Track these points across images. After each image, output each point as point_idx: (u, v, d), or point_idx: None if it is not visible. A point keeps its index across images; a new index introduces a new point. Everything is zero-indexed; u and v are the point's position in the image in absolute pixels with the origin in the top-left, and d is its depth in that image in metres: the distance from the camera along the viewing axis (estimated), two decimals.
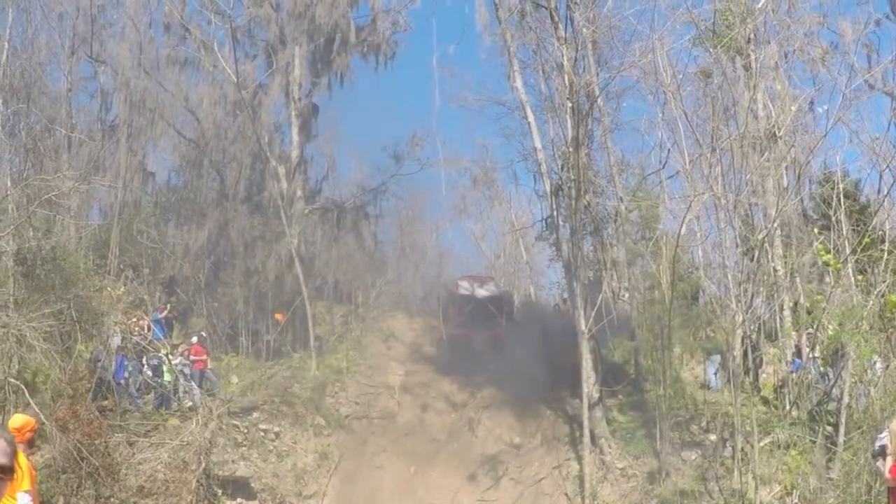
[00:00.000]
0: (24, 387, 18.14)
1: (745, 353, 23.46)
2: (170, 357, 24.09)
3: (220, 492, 21.50)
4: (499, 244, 47.96)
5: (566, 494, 24.08)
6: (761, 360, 25.17)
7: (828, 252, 20.11)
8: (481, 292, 32.31)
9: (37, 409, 18.12)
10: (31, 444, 11.07)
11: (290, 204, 31.77)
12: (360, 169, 39.94)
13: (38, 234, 21.96)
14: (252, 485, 22.63)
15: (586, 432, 23.72)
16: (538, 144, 27.79)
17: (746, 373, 23.10)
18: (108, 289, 24.69)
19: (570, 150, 25.72)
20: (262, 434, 24.38)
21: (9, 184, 19.96)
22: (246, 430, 24.01)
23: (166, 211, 33.95)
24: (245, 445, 23.61)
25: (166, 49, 34.70)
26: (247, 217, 32.05)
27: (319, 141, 37.60)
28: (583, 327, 24.52)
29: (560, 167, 27.81)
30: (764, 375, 25.20)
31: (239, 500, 22.17)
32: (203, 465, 20.54)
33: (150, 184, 35.12)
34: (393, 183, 38.14)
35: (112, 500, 18.86)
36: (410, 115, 77.38)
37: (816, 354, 22.56)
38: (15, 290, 19.24)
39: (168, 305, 28.61)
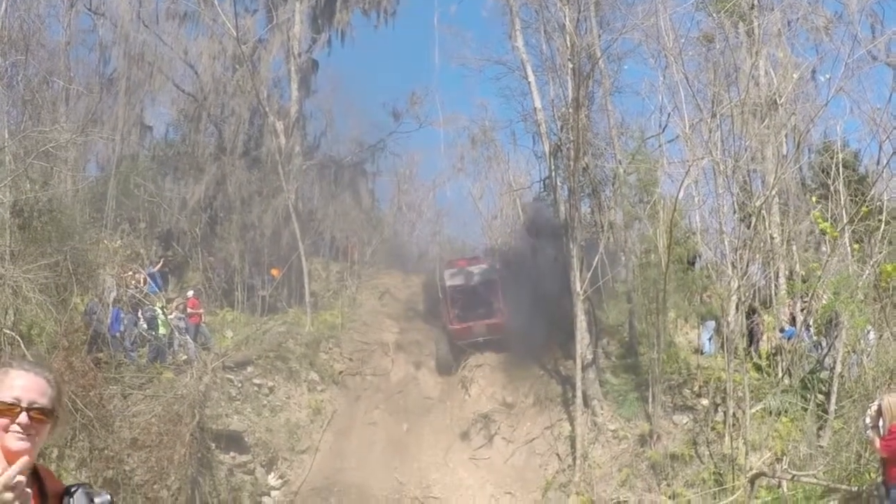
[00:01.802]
0: (19, 338, 18.14)
1: (745, 318, 23.60)
2: (165, 310, 24.10)
3: (213, 445, 21.60)
4: (496, 204, 47.79)
5: (557, 454, 24.24)
6: (757, 326, 25.22)
7: (825, 220, 20.09)
8: (472, 279, 30.42)
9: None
10: None
11: (287, 159, 31.59)
12: (358, 126, 39.80)
13: (35, 186, 21.86)
14: (245, 439, 22.73)
15: (579, 393, 23.84)
16: (538, 105, 27.72)
17: (741, 338, 23.16)
18: (105, 242, 24.67)
19: (570, 111, 25.65)
20: (256, 389, 24.45)
21: (6, 135, 19.82)
22: (240, 385, 24.08)
23: (163, 165, 33.74)
24: (239, 400, 23.68)
25: (166, 2, 34.42)
26: (244, 172, 31.91)
27: (318, 97, 37.52)
28: (578, 288, 24.55)
29: (559, 128, 27.75)
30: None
31: (232, 453, 22.26)
32: (197, 418, 20.63)
33: (147, 137, 34.97)
34: (391, 140, 38.15)
35: (106, 451, 18.92)
36: (410, 73, 77.19)
37: (810, 323, 22.62)
38: (11, 242, 19.19)
39: (161, 259, 28.58)
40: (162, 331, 23.88)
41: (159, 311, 24.03)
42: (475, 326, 28.54)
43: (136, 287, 23.71)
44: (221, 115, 34.11)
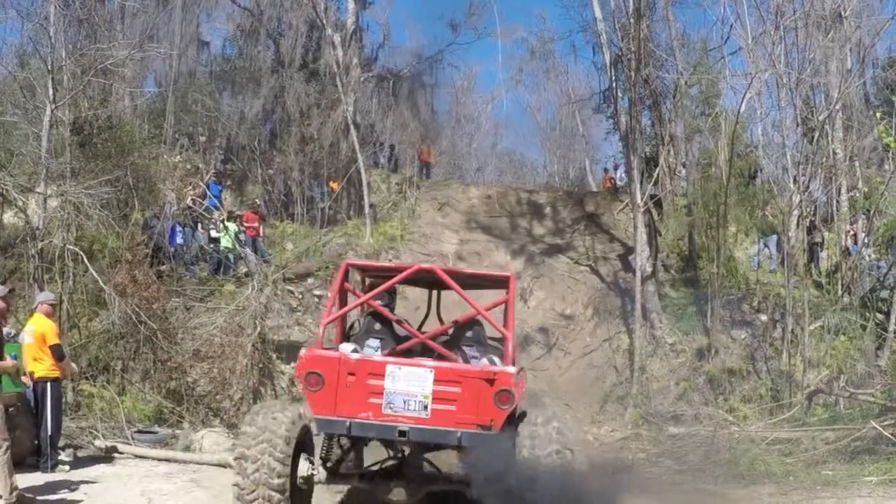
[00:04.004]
0: (82, 254, 18.51)
1: (806, 234, 23.40)
2: (226, 224, 24.34)
3: (274, 356, 21.90)
4: (555, 116, 47.34)
5: (615, 367, 24.30)
6: (820, 243, 24.98)
7: (889, 135, 19.66)
8: None
9: (96, 275, 18.55)
10: None
11: (345, 72, 31.36)
12: (415, 37, 39.49)
13: (93, 103, 22.06)
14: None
15: (638, 306, 23.81)
16: (598, 15, 27.32)
17: (802, 254, 22.98)
18: (164, 156, 24.92)
19: (631, 21, 25.17)
20: (317, 300, 24.65)
21: (64, 54, 19.87)
22: (300, 296, 24.31)
23: (221, 80, 33.73)
24: (299, 311, 23.92)
25: None
26: (302, 85, 31.77)
27: (375, 9, 37.15)
28: (638, 200, 24.40)
29: (620, 39, 27.26)
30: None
31: (293, 364, 22.54)
32: (258, 329, 20.90)
33: (204, 53, 34.96)
34: (449, 52, 37.63)
35: (169, 363, 19.37)
36: None
37: (870, 242, 22.34)
38: (72, 160, 19.44)
39: (215, 170, 28.76)
40: (224, 243, 24.16)
41: (221, 224, 24.29)
42: None
43: (195, 201, 23.94)
44: (278, 28, 33.95)
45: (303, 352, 10.00)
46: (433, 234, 29.96)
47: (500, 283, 11.81)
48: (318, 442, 10.82)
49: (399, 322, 11.23)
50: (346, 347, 10.44)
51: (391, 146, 36.64)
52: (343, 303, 11.67)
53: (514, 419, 9.94)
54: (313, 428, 10.31)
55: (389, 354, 10.44)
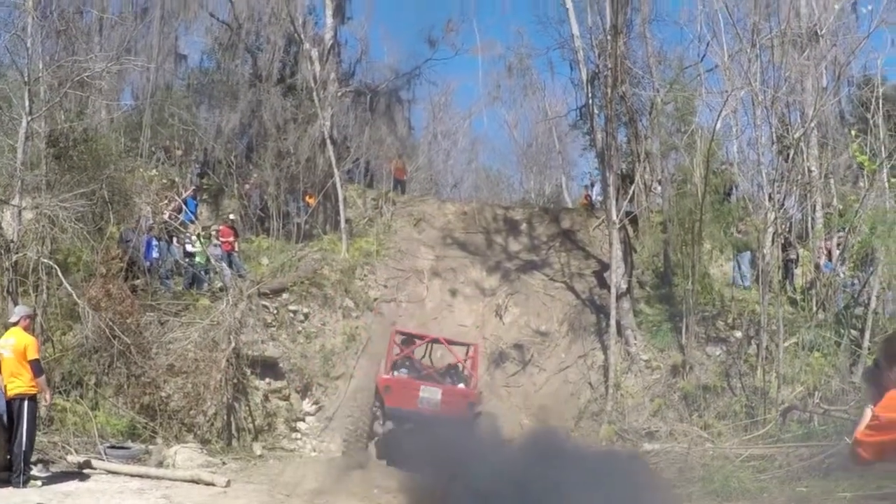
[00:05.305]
0: (56, 267, 18.39)
1: (781, 251, 23.50)
2: (201, 238, 24.23)
3: (248, 371, 21.84)
4: (532, 133, 47.41)
5: (590, 383, 24.38)
6: (795, 260, 25.12)
7: (863, 154, 19.84)
8: None
9: (70, 289, 18.44)
10: None
11: (322, 87, 31.22)
12: (393, 53, 39.44)
13: (70, 116, 21.95)
14: (280, 365, 22.94)
15: (612, 323, 23.89)
16: (576, 31, 27.39)
17: (777, 271, 23.08)
18: (141, 170, 24.79)
19: (608, 37, 25.30)
20: (292, 315, 24.59)
21: (41, 66, 19.75)
22: (275, 311, 24.22)
23: (198, 93, 33.57)
24: (274, 326, 23.85)
25: None
26: (279, 99, 31.65)
27: (353, 24, 36.98)
28: (614, 217, 24.48)
29: (597, 55, 27.38)
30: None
31: (267, 379, 22.51)
32: (233, 344, 20.86)
33: (182, 66, 34.82)
34: (427, 68, 37.65)
35: (143, 378, 19.26)
36: (446, 0, 75.99)
37: (846, 258, 22.48)
38: (47, 172, 19.32)
39: (193, 186, 28.61)
40: (198, 258, 24.05)
41: (195, 238, 24.18)
42: None
43: (172, 216, 23.82)
44: (256, 42, 33.83)
45: (381, 375, 20.60)
46: (409, 250, 29.91)
47: (469, 346, 22.33)
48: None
49: (420, 362, 21.69)
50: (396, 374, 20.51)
51: (367, 162, 36.59)
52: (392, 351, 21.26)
53: (475, 414, 19.90)
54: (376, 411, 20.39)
55: (415, 380, 20.27)
